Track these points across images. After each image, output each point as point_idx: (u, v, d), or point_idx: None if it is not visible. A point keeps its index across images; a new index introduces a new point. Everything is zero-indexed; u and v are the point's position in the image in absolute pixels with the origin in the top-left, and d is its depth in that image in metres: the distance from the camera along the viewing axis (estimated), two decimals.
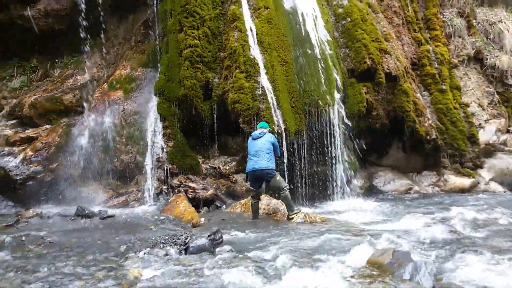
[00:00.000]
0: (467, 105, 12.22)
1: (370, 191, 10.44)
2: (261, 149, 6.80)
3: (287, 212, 6.80)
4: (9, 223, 6.59)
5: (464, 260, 4.00)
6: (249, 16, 9.50)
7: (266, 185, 7.22)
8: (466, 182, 10.82)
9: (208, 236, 4.85)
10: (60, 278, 3.68)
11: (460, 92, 12.32)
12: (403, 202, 9.11)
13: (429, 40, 12.64)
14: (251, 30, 9.30)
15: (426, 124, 10.78)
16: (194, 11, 9.41)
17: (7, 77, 11.74)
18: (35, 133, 9.72)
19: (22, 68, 11.88)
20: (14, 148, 9.40)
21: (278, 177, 6.80)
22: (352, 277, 3.48)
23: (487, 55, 13.38)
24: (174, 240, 5.01)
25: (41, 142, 9.32)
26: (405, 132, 10.70)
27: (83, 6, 10.36)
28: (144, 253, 4.53)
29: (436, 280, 3.38)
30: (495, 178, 11.29)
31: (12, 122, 10.27)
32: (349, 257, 4.06)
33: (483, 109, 12.57)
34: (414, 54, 12.20)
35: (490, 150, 11.84)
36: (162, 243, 4.96)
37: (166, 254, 4.54)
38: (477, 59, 13.39)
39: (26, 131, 9.87)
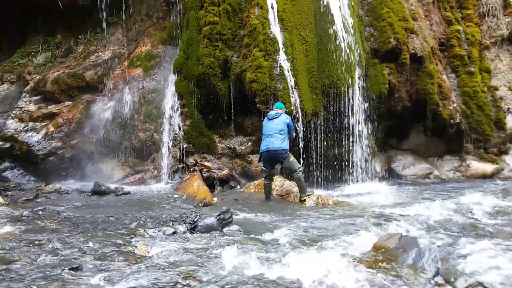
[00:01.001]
0: (496, 89, 11.72)
1: (388, 175, 10.24)
2: (275, 129, 6.75)
3: (299, 194, 6.77)
4: (29, 198, 6.79)
5: (475, 246, 3.86)
6: None
7: (280, 166, 7.18)
8: (488, 168, 10.49)
9: (218, 215, 4.86)
10: (69, 252, 3.75)
11: (490, 75, 11.80)
12: (421, 186, 8.91)
13: (460, 20, 12.05)
14: (272, 7, 9.10)
15: (450, 108, 10.42)
16: None
17: (33, 53, 11.94)
18: (57, 109, 9.94)
19: (47, 44, 12.05)
20: (36, 124, 9.67)
21: (292, 158, 6.74)
22: (354, 261, 3.43)
23: None
24: (183, 219, 5.08)
25: (63, 118, 9.55)
26: (427, 116, 10.39)
27: None
28: (153, 231, 4.59)
29: (442, 266, 3.29)
30: None
31: (36, 98, 10.51)
32: (356, 241, 4.01)
33: None
34: (443, 34, 11.68)
35: None
36: (172, 221, 5.04)
37: (174, 232, 4.58)
38: (511, 40, 12.74)
39: (49, 107, 10.11)
